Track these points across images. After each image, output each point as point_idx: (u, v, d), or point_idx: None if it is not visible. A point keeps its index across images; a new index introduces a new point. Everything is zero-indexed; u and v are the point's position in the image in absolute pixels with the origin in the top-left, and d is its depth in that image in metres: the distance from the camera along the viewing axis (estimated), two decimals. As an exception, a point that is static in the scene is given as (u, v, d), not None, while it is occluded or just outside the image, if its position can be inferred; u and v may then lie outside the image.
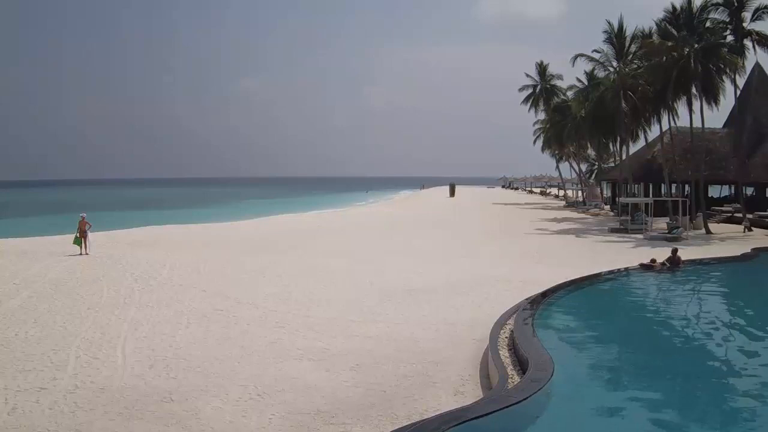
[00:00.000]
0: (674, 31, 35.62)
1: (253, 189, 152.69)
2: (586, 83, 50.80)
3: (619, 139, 47.87)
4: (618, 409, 8.62)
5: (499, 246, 28.26)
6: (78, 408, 8.43)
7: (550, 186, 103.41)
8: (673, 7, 36.49)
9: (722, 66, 35.30)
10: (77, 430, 7.77)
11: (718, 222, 38.28)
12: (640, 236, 31.87)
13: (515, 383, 8.23)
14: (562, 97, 63.07)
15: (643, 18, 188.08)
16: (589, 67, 47.72)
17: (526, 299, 13.21)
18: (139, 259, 22.11)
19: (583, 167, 70.36)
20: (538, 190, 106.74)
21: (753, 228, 34.22)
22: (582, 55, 45.51)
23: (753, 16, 34.80)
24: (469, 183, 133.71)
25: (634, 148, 49.09)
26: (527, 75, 66.94)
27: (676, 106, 38.48)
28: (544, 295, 13.87)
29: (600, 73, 46.69)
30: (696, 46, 34.70)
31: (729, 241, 30.09)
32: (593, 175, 69.21)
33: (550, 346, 9.63)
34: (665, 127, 41.51)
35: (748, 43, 35.38)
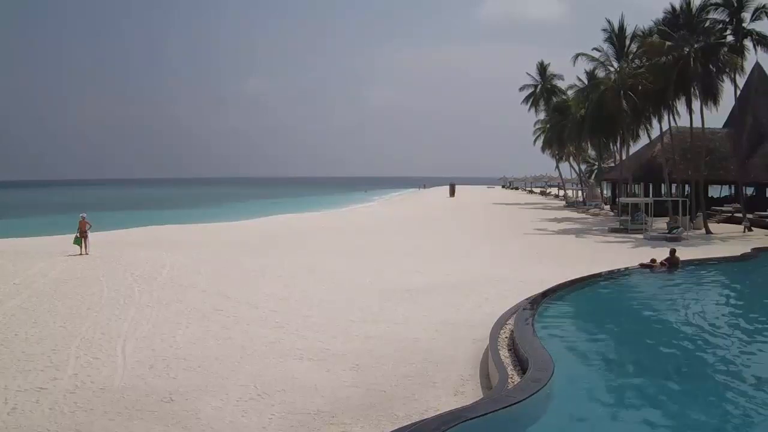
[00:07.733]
0: (673, 32, 35.61)
1: (253, 189, 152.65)
2: (587, 83, 50.81)
3: (619, 139, 47.91)
4: (618, 408, 8.63)
5: (500, 246, 28.25)
6: (78, 408, 8.43)
7: (550, 186, 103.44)
8: (673, 7, 36.58)
9: (722, 66, 35.38)
10: (77, 430, 7.77)
11: (718, 222, 38.28)
12: (640, 236, 31.85)
13: (515, 383, 8.23)
14: (563, 96, 63.09)
15: (643, 18, 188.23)
16: (589, 66, 47.92)
17: (526, 299, 13.20)
18: (139, 259, 22.11)
19: (583, 167, 70.37)
20: (538, 190, 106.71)
21: (753, 228, 34.22)
22: (582, 54, 45.73)
23: (753, 16, 34.80)
24: (470, 183, 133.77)
25: (634, 148, 49.27)
26: (528, 74, 67.16)
27: (676, 105, 38.55)
28: (544, 295, 13.86)
29: (600, 73, 46.76)
30: (696, 46, 34.70)
31: (729, 241, 30.08)
32: (593, 175, 69.18)
33: (550, 345, 9.62)
34: (665, 127, 41.57)
35: (748, 43, 35.40)
